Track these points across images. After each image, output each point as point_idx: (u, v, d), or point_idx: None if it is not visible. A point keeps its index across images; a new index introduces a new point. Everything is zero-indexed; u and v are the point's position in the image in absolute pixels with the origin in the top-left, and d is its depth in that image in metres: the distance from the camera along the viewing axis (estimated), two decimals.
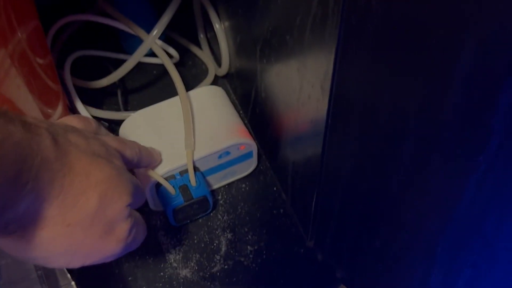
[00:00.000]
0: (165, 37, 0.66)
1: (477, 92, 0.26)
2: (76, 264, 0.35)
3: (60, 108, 0.52)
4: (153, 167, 0.49)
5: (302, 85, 0.41)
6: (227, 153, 0.52)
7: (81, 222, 0.32)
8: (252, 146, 0.54)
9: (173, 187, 0.49)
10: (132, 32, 0.58)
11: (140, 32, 0.57)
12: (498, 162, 0.28)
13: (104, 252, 0.35)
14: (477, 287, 0.35)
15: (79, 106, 0.56)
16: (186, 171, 0.50)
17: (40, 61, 0.48)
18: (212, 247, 0.53)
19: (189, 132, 0.51)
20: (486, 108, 0.26)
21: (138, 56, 0.57)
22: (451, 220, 0.34)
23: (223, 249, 0.53)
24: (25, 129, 0.29)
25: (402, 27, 0.28)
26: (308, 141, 0.45)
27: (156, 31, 0.56)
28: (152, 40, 0.56)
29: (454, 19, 0.25)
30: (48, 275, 0.44)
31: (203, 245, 0.53)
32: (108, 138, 0.41)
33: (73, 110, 0.57)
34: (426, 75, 0.28)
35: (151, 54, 0.60)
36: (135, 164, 0.45)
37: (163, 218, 0.55)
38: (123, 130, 0.54)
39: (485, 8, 0.23)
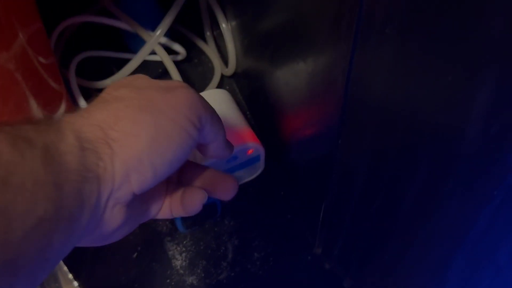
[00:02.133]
0: (170, 33, 0.64)
1: (495, 128, 0.25)
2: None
3: (62, 109, 0.51)
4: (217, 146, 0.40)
5: (315, 90, 0.40)
6: (235, 157, 0.52)
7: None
8: (260, 150, 0.53)
9: None
10: (137, 32, 0.57)
11: (143, 33, 0.56)
12: None
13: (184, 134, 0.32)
14: None
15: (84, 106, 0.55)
16: None
17: (44, 61, 0.47)
18: (219, 253, 0.53)
19: None
20: (505, 146, 0.25)
21: (141, 56, 0.56)
22: (463, 245, 0.33)
23: (230, 255, 0.53)
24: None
25: (419, 51, 0.27)
26: (319, 147, 0.44)
27: (159, 31, 0.55)
28: (155, 40, 0.54)
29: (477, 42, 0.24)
30: (49, 281, 0.44)
31: (209, 251, 0.53)
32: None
33: None
34: (447, 100, 0.27)
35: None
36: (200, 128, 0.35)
37: (169, 224, 0.54)
38: None
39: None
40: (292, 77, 0.45)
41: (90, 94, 0.59)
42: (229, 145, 0.41)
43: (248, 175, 0.56)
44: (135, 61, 0.56)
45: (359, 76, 0.33)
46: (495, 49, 0.23)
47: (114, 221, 0.31)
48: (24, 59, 0.44)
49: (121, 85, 0.33)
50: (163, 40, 0.58)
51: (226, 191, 0.39)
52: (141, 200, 0.35)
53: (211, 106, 0.37)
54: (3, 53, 0.41)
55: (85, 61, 0.62)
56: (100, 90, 0.60)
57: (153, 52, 0.61)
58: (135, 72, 0.58)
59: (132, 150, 0.30)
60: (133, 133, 0.30)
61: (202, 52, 0.66)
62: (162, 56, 0.56)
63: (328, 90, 0.37)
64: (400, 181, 0.35)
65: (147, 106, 0.32)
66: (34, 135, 0.27)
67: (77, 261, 0.51)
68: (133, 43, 0.63)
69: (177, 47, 0.59)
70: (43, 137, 0.27)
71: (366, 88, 0.33)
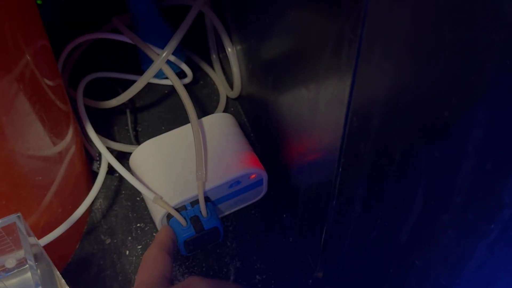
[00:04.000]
0: (185, 58, 0.65)
1: (489, 163, 0.26)
2: None
3: (70, 132, 0.52)
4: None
5: (316, 118, 0.41)
6: (238, 182, 0.52)
7: None
8: (263, 174, 0.54)
9: (184, 218, 0.49)
10: (144, 51, 0.57)
11: (150, 52, 0.56)
12: (510, 232, 0.27)
13: None
14: None
15: (90, 130, 0.55)
16: (197, 201, 0.50)
17: (49, 83, 0.46)
18: (221, 275, 0.53)
19: (200, 163, 0.50)
20: (498, 180, 0.26)
21: (148, 76, 0.56)
22: (460, 277, 0.33)
23: (232, 277, 0.53)
24: None
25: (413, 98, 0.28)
26: (319, 173, 0.44)
27: (166, 52, 0.55)
28: (163, 60, 0.55)
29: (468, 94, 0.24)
30: None
31: (211, 273, 0.53)
32: None
33: (84, 134, 0.57)
34: (444, 134, 0.28)
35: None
36: None
37: None
38: (134, 158, 0.54)
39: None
40: (294, 103, 0.45)
41: (96, 114, 0.60)
42: None
43: (251, 199, 0.57)
44: (142, 81, 0.57)
45: (360, 106, 0.33)
46: (487, 93, 0.23)
47: None
48: (31, 78, 0.43)
49: None
50: (172, 58, 0.59)
51: None
52: None
53: None
54: (8, 73, 0.40)
55: (91, 82, 0.63)
56: (105, 111, 0.61)
57: (162, 77, 0.62)
58: (141, 93, 0.59)
59: None
60: None
61: (207, 75, 0.67)
62: (170, 76, 0.56)
63: (329, 118, 0.37)
64: (397, 211, 0.36)
65: None
66: None
67: (78, 281, 0.52)
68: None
69: (184, 67, 0.60)
70: None
71: (365, 118, 0.33)
